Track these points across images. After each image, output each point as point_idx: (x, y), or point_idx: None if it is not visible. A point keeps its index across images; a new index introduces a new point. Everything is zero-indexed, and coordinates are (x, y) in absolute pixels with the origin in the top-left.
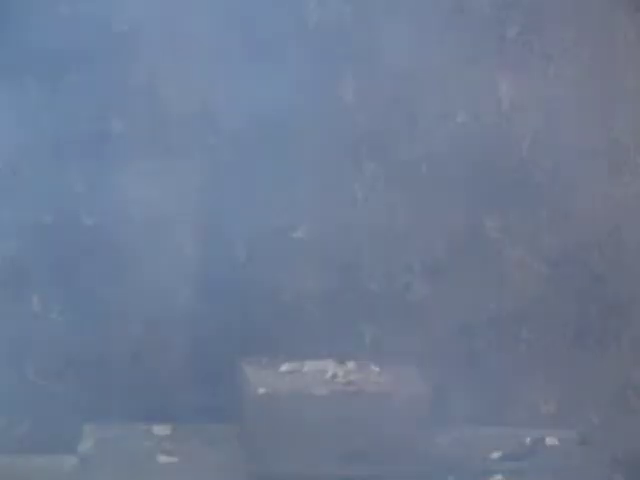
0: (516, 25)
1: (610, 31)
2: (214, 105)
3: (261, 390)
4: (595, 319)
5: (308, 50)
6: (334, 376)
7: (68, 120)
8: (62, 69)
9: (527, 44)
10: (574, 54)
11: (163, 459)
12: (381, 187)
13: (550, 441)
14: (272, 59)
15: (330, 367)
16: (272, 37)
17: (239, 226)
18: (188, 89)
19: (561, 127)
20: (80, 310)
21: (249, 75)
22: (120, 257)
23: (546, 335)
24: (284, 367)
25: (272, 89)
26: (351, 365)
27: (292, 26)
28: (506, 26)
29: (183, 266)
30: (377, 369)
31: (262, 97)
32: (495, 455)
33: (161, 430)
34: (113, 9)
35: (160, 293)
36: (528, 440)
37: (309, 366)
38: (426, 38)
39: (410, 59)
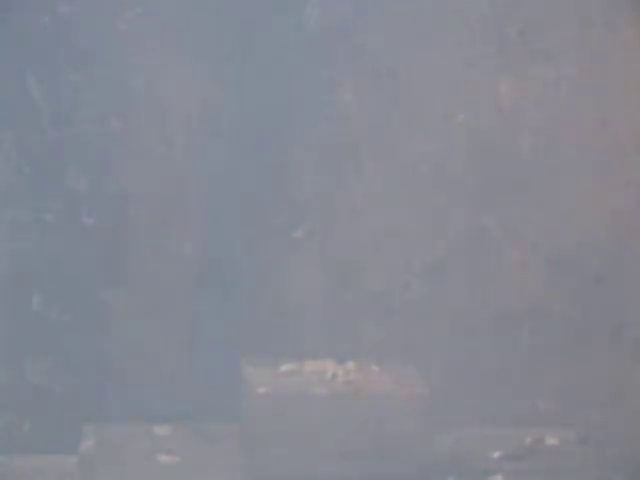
0: (516, 25)
1: (610, 31)
2: (213, 106)
3: (261, 390)
4: (595, 319)
5: (308, 50)
6: (334, 376)
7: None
8: (62, 69)
9: (527, 44)
10: (574, 54)
11: (163, 459)
12: (381, 187)
13: (550, 441)
14: (272, 59)
15: (330, 367)
16: (272, 37)
17: (239, 226)
18: (188, 90)
19: (561, 127)
20: (80, 310)
21: (248, 75)
22: (120, 257)
23: (546, 335)
24: (284, 367)
25: (272, 89)
26: (351, 365)
27: (292, 26)
28: (506, 26)
29: (183, 266)
30: (377, 369)
31: (262, 97)
32: (495, 455)
33: (161, 430)
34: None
35: (160, 293)
36: (528, 440)
37: (309, 366)
38: (426, 38)
39: (410, 59)
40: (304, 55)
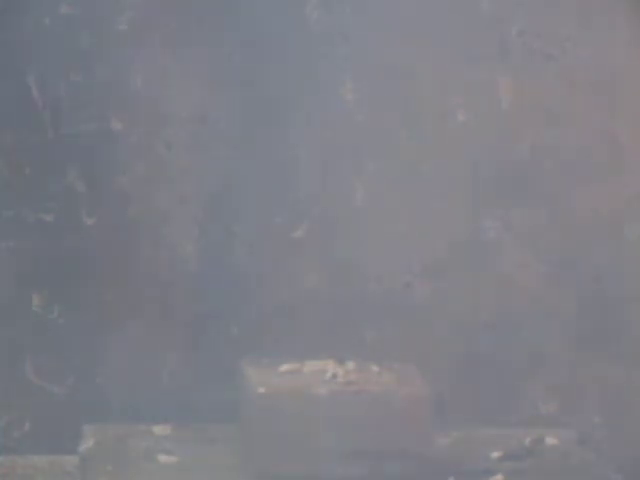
0: (516, 25)
1: (610, 31)
2: (213, 105)
3: (261, 390)
4: (595, 319)
5: (308, 50)
6: (334, 376)
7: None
8: (62, 69)
9: (527, 44)
10: (574, 54)
11: (163, 459)
12: (381, 187)
13: (550, 441)
14: (272, 59)
15: (330, 367)
16: (272, 37)
17: (239, 226)
18: (188, 90)
19: (561, 127)
20: (80, 310)
21: (248, 74)
22: (119, 257)
23: (546, 335)
24: (284, 367)
25: (271, 89)
26: (351, 365)
27: (292, 25)
28: (506, 26)
29: (183, 265)
30: (377, 369)
31: (261, 97)
32: (495, 455)
33: (161, 430)
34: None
35: (159, 293)
36: (528, 440)
37: (309, 366)
38: (426, 38)
39: (410, 59)
40: (304, 55)
